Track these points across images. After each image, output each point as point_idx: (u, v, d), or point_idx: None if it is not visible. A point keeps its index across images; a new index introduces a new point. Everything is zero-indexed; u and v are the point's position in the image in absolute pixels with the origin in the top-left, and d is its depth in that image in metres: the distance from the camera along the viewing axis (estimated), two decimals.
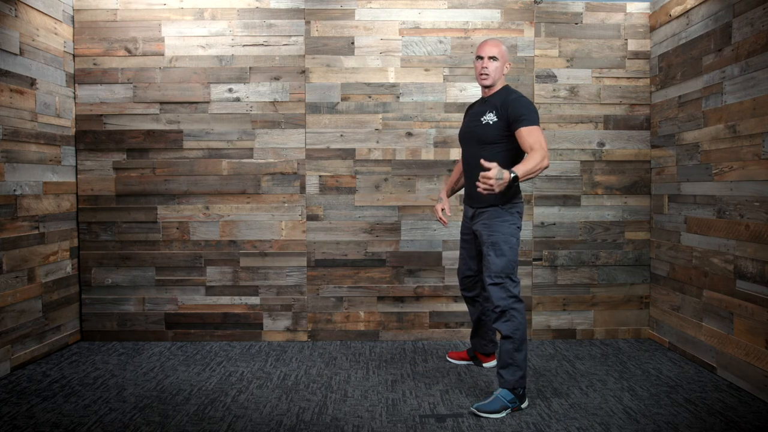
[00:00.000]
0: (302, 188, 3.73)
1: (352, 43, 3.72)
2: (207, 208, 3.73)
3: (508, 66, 2.77)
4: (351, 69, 3.72)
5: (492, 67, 2.70)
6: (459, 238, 3.73)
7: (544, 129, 3.72)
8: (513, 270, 2.65)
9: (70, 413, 2.56)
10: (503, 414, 2.52)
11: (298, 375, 3.08)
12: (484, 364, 3.19)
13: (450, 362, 3.29)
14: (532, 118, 2.57)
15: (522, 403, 2.60)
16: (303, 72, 3.72)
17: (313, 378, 3.03)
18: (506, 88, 2.75)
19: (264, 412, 2.58)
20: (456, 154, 3.73)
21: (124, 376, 3.05)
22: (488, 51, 2.72)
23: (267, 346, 3.61)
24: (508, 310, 2.59)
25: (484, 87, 2.78)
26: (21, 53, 3.19)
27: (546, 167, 2.49)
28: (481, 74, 2.73)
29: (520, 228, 2.72)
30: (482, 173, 2.35)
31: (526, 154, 2.54)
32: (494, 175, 2.33)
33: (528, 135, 2.54)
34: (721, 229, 3.04)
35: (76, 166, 3.70)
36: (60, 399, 2.73)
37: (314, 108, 3.72)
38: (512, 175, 2.37)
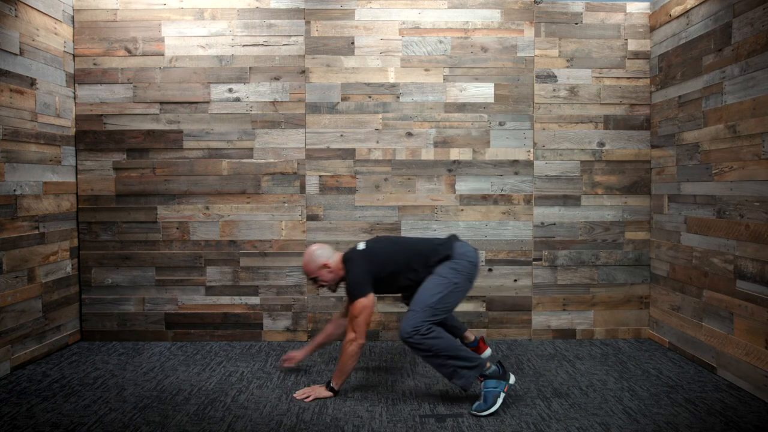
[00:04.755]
0: (302, 188, 3.73)
1: (352, 43, 3.72)
2: (207, 208, 3.73)
3: (326, 266, 2.80)
4: (351, 69, 3.72)
5: (319, 285, 2.86)
6: None
7: (544, 129, 3.74)
8: (432, 314, 2.63)
9: (70, 413, 2.56)
10: (500, 401, 2.52)
11: (298, 375, 3.08)
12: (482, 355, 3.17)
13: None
14: (352, 295, 2.70)
15: (509, 380, 2.59)
16: (303, 72, 3.72)
17: (313, 378, 3.03)
18: (345, 269, 2.80)
19: (264, 412, 2.58)
20: (456, 153, 3.73)
21: (124, 376, 3.05)
22: (308, 278, 2.88)
23: (267, 346, 3.61)
24: (406, 339, 2.59)
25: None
26: (21, 53, 3.19)
27: (351, 347, 2.64)
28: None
29: (456, 283, 2.69)
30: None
31: None
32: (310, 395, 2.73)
33: (350, 311, 2.70)
34: (721, 229, 3.04)
35: (76, 166, 3.70)
36: (60, 399, 2.73)
37: (314, 108, 3.72)
38: (331, 390, 2.74)
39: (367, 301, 2.65)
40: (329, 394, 2.73)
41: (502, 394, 2.54)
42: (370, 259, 2.75)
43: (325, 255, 2.82)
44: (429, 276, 2.71)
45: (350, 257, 2.80)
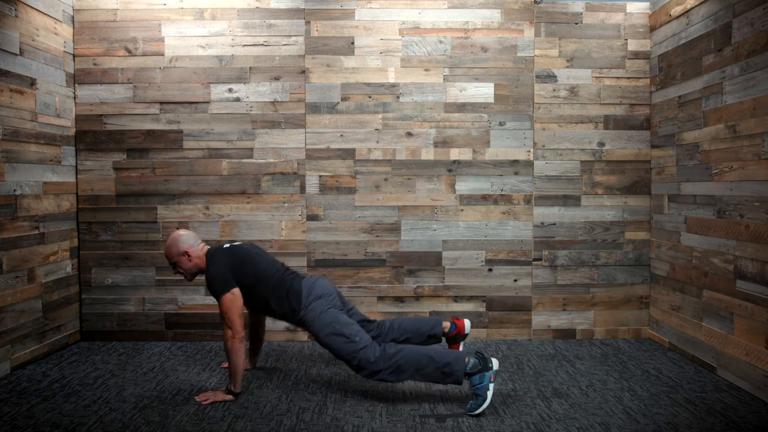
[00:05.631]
0: (302, 188, 3.73)
1: (352, 43, 3.72)
2: (207, 208, 3.73)
3: (188, 253, 2.76)
4: (351, 69, 3.72)
5: (177, 271, 2.83)
6: (457, 240, 3.74)
7: (544, 129, 3.74)
8: (352, 347, 2.63)
9: (70, 413, 2.56)
10: (490, 394, 2.49)
11: (298, 375, 3.08)
12: (465, 332, 3.13)
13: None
14: (216, 292, 2.68)
15: (493, 368, 2.54)
16: (303, 72, 3.72)
17: (313, 378, 3.03)
18: (207, 263, 2.78)
19: (264, 412, 2.58)
20: (456, 153, 3.73)
21: (124, 376, 3.05)
22: (168, 261, 2.83)
23: (267, 346, 3.61)
24: (379, 376, 2.61)
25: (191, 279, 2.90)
26: (21, 53, 3.19)
27: (233, 343, 2.62)
28: None
29: (328, 308, 2.72)
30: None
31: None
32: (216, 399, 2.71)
33: (220, 309, 2.69)
34: (721, 229, 3.04)
35: (76, 166, 3.70)
36: (60, 399, 2.73)
37: (314, 108, 3.72)
38: (231, 393, 2.71)
39: (232, 296, 2.66)
40: (230, 397, 2.70)
41: (491, 386, 2.51)
42: (231, 260, 2.74)
43: (189, 243, 2.78)
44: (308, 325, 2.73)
45: (212, 254, 2.77)
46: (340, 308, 2.81)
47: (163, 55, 3.70)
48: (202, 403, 2.67)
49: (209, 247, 2.85)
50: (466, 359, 2.56)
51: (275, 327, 3.74)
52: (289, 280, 2.82)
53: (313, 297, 2.76)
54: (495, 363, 2.57)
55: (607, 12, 3.76)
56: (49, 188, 3.43)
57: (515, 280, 3.78)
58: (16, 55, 3.15)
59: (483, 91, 3.73)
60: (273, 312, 2.82)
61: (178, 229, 2.85)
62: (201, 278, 3.72)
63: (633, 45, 3.76)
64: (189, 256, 2.77)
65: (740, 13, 2.88)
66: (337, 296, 2.86)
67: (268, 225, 3.74)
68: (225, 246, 2.83)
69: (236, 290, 2.68)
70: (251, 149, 3.72)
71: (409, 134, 3.74)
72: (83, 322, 3.74)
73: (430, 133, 3.74)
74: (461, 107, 3.73)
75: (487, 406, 2.50)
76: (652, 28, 3.73)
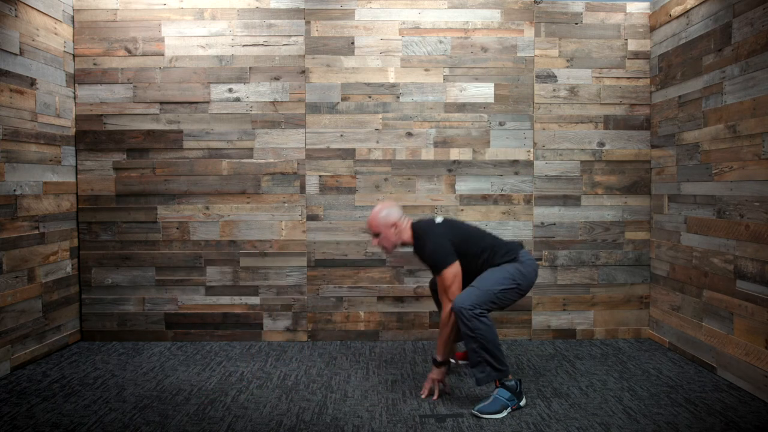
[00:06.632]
0: (302, 188, 3.73)
1: (352, 43, 3.72)
2: (207, 208, 3.73)
3: (396, 225, 2.77)
4: (351, 69, 3.72)
5: (380, 242, 2.81)
6: None
7: (544, 129, 3.74)
8: (490, 300, 2.59)
9: (70, 413, 2.56)
10: (504, 413, 2.52)
11: (298, 375, 3.08)
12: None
13: (452, 362, 3.27)
14: (439, 265, 2.66)
15: (520, 401, 2.60)
16: (303, 72, 3.72)
17: (313, 378, 3.03)
18: (417, 237, 2.78)
19: (264, 412, 2.58)
20: (456, 153, 3.73)
21: (124, 376, 3.05)
22: (371, 230, 2.82)
23: (267, 346, 3.61)
24: (456, 310, 2.55)
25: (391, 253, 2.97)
26: (21, 53, 3.19)
27: (451, 316, 2.61)
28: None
29: (519, 284, 2.65)
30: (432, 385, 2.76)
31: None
32: (433, 386, 2.74)
33: (440, 282, 2.68)
34: (721, 229, 3.04)
35: (76, 166, 3.70)
36: (60, 399, 2.73)
37: (314, 108, 3.72)
38: (439, 365, 2.71)
39: (455, 269, 2.64)
40: (443, 368, 2.73)
41: (509, 409, 2.54)
42: (452, 233, 2.72)
43: (398, 215, 2.79)
44: (494, 267, 2.68)
45: (427, 228, 2.75)
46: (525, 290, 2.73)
47: (163, 55, 3.70)
48: (433, 398, 2.71)
49: (411, 221, 2.84)
50: (510, 376, 2.62)
51: (275, 327, 3.74)
52: (504, 244, 2.79)
53: (529, 264, 2.71)
54: (524, 401, 2.64)
55: (607, 12, 3.76)
56: (49, 188, 3.43)
57: None
58: (16, 55, 3.15)
59: (483, 91, 3.73)
60: (482, 269, 2.75)
61: (381, 201, 2.83)
62: (199, 278, 3.72)
63: (633, 45, 3.76)
64: (397, 228, 2.76)
65: (740, 13, 2.88)
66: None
67: (268, 225, 3.74)
68: (437, 221, 2.79)
69: (458, 263, 2.66)
70: (251, 149, 3.72)
71: (409, 134, 3.74)
72: (83, 322, 3.74)
73: (430, 133, 3.74)
74: (461, 107, 3.73)
75: (493, 419, 2.50)
76: (652, 28, 3.73)
